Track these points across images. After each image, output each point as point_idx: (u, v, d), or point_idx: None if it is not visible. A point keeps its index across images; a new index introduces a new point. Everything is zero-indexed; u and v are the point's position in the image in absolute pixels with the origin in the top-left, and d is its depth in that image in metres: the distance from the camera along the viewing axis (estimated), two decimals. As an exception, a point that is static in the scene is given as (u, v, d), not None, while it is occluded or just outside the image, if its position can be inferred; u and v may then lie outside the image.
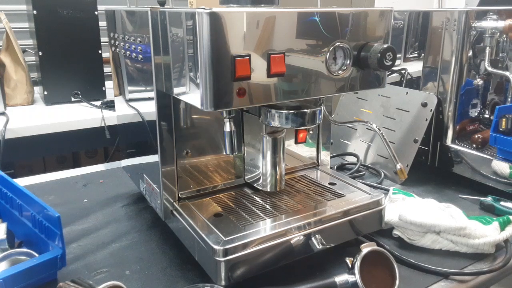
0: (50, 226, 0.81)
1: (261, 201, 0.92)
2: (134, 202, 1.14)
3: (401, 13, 1.32)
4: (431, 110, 1.22)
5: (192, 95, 0.71)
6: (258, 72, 0.70)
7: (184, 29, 0.70)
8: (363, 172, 1.31)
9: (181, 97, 0.76)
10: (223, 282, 0.75)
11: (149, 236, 0.98)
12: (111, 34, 1.05)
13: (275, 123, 0.82)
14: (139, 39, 0.87)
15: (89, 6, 1.91)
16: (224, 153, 0.93)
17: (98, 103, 1.90)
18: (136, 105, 0.97)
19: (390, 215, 0.95)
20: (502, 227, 0.92)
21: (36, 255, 0.83)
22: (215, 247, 0.74)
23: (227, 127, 0.78)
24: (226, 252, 0.74)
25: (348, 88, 0.81)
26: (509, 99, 1.22)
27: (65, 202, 1.15)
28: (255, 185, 0.96)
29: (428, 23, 1.25)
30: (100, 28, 1.95)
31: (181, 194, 0.92)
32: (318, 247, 0.82)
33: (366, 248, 0.78)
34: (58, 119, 1.72)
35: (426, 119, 1.22)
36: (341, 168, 1.34)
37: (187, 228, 0.83)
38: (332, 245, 0.86)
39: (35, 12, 1.82)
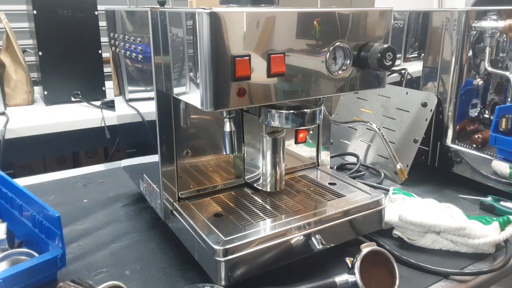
0: (50, 226, 0.81)
1: (261, 201, 0.92)
2: (134, 202, 1.14)
3: (401, 13, 1.32)
4: (431, 110, 1.22)
5: (192, 95, 0.71)
6: (258, 72, 0.70)
7: (184, 29, 0.70)
8: (363, 172, 1.31)
9: (181, 97, 0.76)
10: (223, 282, 0.75)
11: (149, 236, 0.98)
12: (111, 34, 1.05)
13: (275, 123, 0.82)
14: (139, 39, 0.87)
15: (89, 6, 1.91)
16: (224, 153, 0.93)
17: (98, 103, 1.90)
18: (136, 105, 0.97)
19: (390, 215, 0.95)
20: (502, 227, 0.92)
21: (36, 255, 0.83)
22: (215, 247, 0.74)
23: (227, 127, 0.78)
24: (226, 252, 0.74)
25: (348, 88, 0.81)
26: (509, 99, 1.22)
27: (65, 202, 1.15)
28: (255, 185, 0.96)
29: (428, 23, 1.25)
30: (100, 28, 1.95)
31: (181, 194, 0.92)
32: (318, 247, 0.82)
33: (366, 248, 0.78)
34: (58, 119, 1.72)
35: (426, 119, 1.22)
36: (341, 168, 1.34)
37: (187, 228, 0.83)
38: (332, 245, 0.86)
39: (35, 12, 1.82)
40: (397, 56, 0.91)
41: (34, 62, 2.01)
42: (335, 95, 0.84)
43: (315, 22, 0.73)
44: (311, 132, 1.07)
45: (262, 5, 0.84)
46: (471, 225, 0.90)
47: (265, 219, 0.84)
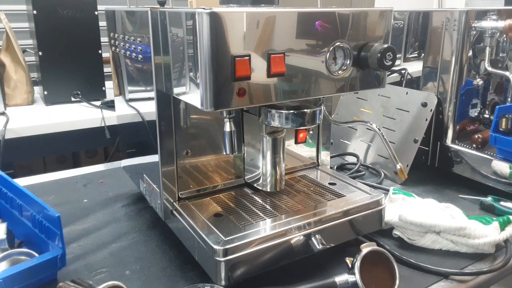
0: (50, 226, 0.81)
1: (261, 201, 0.92)
2: (134, 202, 1.14)
3: (401, 13, 1.32)
4: (431, 110, 1.22)
5: (192, 95, 0.71)
6: (258, 72, 0.70)
7: (184, 29, 0.70)
8: (363, 172, 1.31)
9: (181, 97, 0.76)
10: (223, 282, 0.75)
11: (149, 236, 0.98)
12: (111, 34, 1.05)
13: (275, 123, 0.82)
14: (139, 39, 0.87)
15: (89, 6, 1.91)
16: (224, 153, 0.93)
17: (98, 103, 1.90)
18: (136, 105, 0.97)
19: (390, 215, 0.95)
20: (502, 227, 0.92)
21: (36, 255, 0.83)
22: (215, 247, 0.74)
23: (227, 127, 0.78)
24: (226, 252, 0.74)
25: (348, 88, 0.81)
26: (509, 99, 1.22)
27: (65, 202, 1.15)
28: (255, 185, 0.96)
29: (428, 23, 1.25)
30: (100, 28, 1.95)
31: (181, 194, 0.92)
32: (318, 247, 0.82)
33: (366, 248, 0.78)
34: (58, 119, 1.72)
35: (426, 119, 1.22)
36: (341, 168, 1.34)
37: (187, 228, 0.83)
38: (332, 245, 0.86)
39: (35, 12, 1.82)
40: (397, 56, 0.91)
41: (34, 62, 2.01)
42: (335, 95, 0.84)
43: (318, 25, 0.73)
44: (311, 132, 1.07)
45: (262, 5, 0.84)
46: (471, 225, 0.90)
47: (265, 219, 0.84)
